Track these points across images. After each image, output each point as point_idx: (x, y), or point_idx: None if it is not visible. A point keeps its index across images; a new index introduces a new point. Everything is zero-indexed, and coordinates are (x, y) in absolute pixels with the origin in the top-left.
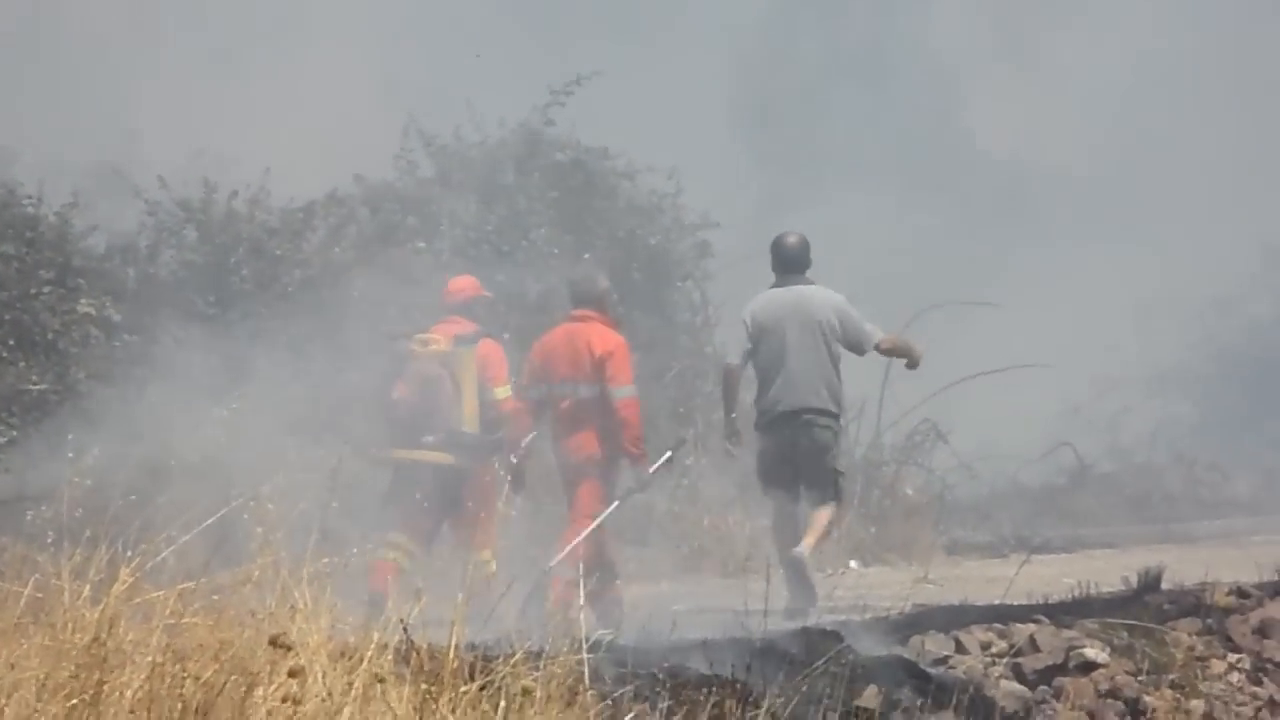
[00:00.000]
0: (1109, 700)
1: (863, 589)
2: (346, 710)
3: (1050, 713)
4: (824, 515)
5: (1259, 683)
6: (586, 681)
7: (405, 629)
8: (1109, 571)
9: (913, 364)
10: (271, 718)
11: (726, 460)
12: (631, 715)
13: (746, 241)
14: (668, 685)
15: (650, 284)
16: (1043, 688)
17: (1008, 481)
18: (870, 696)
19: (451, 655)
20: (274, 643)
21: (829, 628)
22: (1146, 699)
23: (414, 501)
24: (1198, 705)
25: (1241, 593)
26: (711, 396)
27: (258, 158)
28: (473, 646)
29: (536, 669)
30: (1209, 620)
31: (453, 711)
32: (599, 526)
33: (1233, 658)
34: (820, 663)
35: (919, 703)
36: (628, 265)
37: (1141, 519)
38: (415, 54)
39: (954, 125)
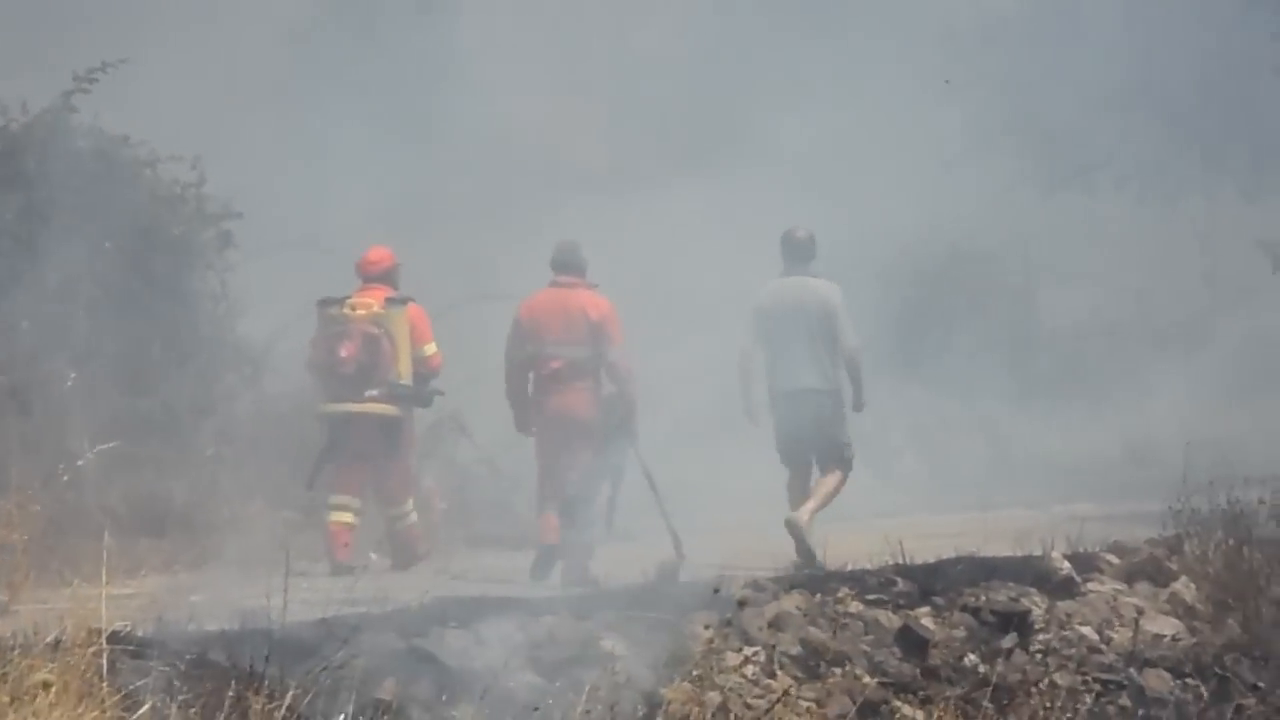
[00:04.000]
0: (627, 692)
1: (383, 581)
2: None
3: (568, 705)
4: (829, 481)
5: (773, 675)
6: (104, 673)
7: None
8: (629, 563)
9: (857, 403)
10: None
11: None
12: (147, 707)
13: (272, 231)
14: (187, 677)
15: (172, 273)
16: (560, 679)
17: (530, 474)
18: (389, 689)
19: None
20: None
21: (349, 620)
22: (663, 691)
23: (352, 455)
24: (714, 697)
25: (758, 585)
26: (233, 386)
27: None
28: None
29: (54, 660)
30: (726, 613)
31: None
32: (608, 480)
33: (748, 650)
34: (338, 655)
35: (439, 695)
36: (150, 254)
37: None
38: None
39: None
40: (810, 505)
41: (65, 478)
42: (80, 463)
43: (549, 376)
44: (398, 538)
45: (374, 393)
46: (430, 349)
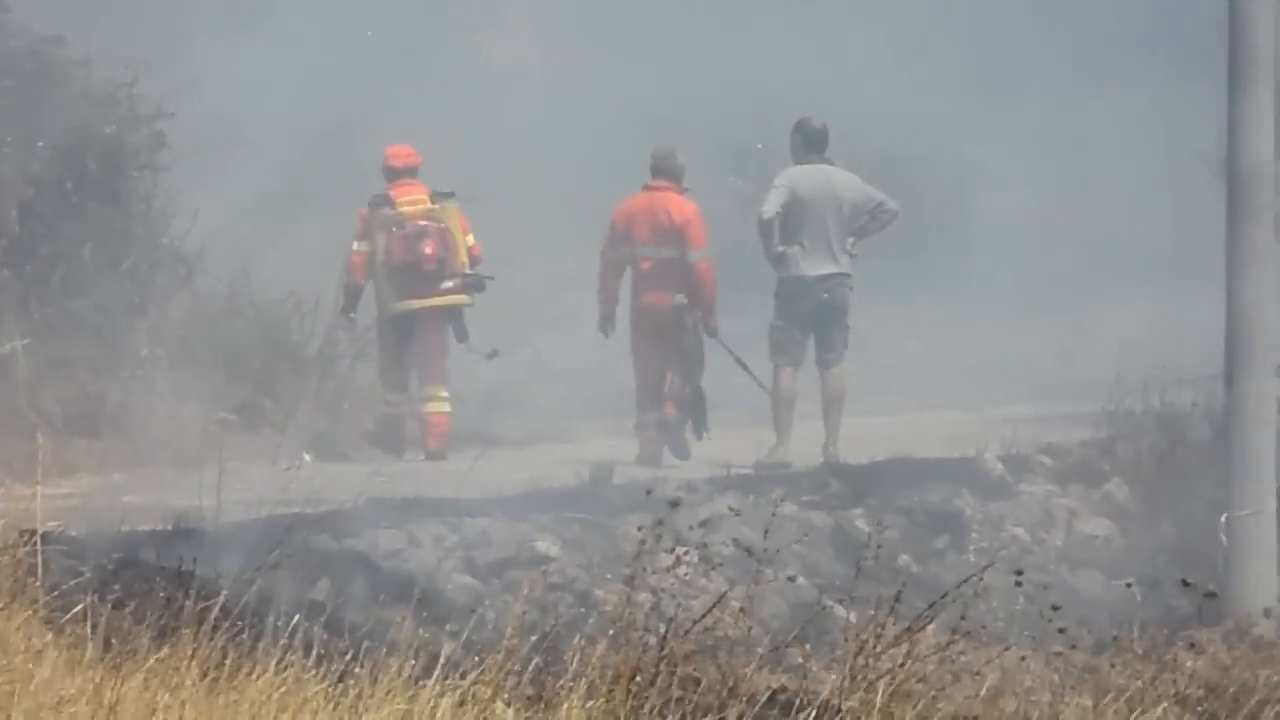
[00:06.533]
0: (560, 593)
1: (318, 482)
2: None
3: (501, 606)
4: (840, 387)
5: (707, 576)
6: (37, 573)
7: None
8: (563, 466)
9: (863, 232)
10: None
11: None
12: (80, 607)
13: (204, 132)
14: (118, 577)
15: (105, 174)
16: (495, 581)
17: (464, 376)
18: (322, 589)
19: None
20: None
21: (283, 521)
22: (597, 592)
23: (429, 346)
24: (646, 598)
25: (690, 487)
26: (166, 287)
27: None
28: None
29: None
30: (658, 515)
31: None
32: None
33: (680, 551)
34: (271, 555)
35: (373, 596)
36: (82, 155)
37: (596, 413)
38: None
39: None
40: (838, 433)
41: None
42: None
43: (640, 276)
44: (434, 423)
45: (448, 285)
46: (471, 239)
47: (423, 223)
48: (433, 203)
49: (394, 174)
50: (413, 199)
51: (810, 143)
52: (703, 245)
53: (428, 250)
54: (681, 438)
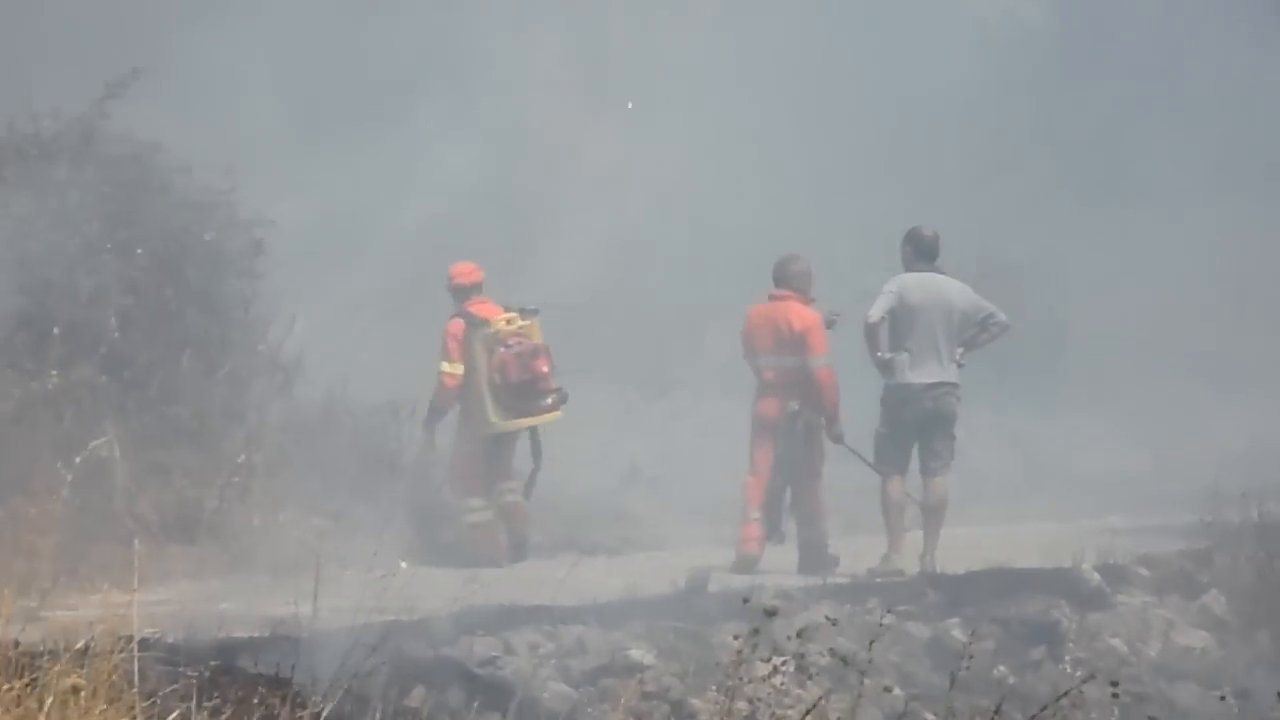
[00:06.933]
0: (654, 702)
1: (413, 589)
2: None
3: (596, 714)
4: (941, 493)
5: (803, 685)
6: (133, 679)
7: None
8: (658, 573)
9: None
10: None
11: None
12: (176, 714)
13: (301, 240)
14: (215, 684)
15: (204, 281)
16: (589, 689)
17: (558, 483)
18: (418, 697)
19: None
20: None
21: (378, 628)
22: (692, 701)
23: (512, 456)
24: (742, 707)
25: (787, 595)
26: (264, 393)
27: None
28: (18, 644)
29: (83, 666)
30: (755, 623)
31: None
32: (816, 478)
33: (777, 660)
34: (367, 662)
35: (467, 704)
36: (181, 261)
37: (692, 521)
38: None
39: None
40: (937, 543)
41: (70, 478)
42: (79, 459)
43: (764, 385)
44: (515, 514)
45: (548, 401)
46: None
47: (524, 340)
48: (522, 319)
49: (464, 291)
50: (506, 317)
51: (921, 251)
52: (823, 352)
53: (544, 369)
54: (824, 550)
